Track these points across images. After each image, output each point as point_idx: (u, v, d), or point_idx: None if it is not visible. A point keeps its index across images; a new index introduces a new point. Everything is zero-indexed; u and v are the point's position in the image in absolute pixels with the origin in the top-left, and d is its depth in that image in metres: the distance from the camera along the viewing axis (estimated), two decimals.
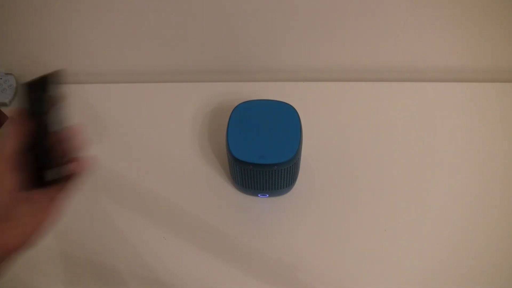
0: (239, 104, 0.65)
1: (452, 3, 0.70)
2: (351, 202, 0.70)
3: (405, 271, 0.65)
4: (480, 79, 0.81)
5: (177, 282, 0.64)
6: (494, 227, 0.67)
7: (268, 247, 0.67)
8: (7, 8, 0.74)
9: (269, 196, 0.70)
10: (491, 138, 0.75)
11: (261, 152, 0.60)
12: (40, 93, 0.46)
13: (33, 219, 0.43)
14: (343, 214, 0.69)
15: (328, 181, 0.72)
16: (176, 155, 0.75)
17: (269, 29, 0.77)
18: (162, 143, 0.77)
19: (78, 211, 0.71)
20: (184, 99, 0.81)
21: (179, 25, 0.77)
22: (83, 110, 0.81)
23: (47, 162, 0.44)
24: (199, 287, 0.65)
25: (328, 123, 0.77)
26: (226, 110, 0.67)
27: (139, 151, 0.77)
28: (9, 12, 0.75)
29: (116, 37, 0.80)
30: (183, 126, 0.78)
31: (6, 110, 0.80)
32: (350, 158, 0.74)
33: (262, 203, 0.71)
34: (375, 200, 0.70)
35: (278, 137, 0.61)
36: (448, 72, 0.83)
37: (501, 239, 0.66)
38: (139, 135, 0.78)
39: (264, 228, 0.69)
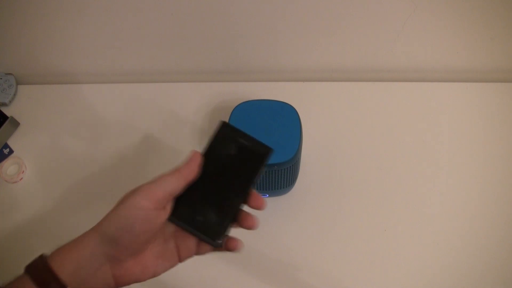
0: (239, 104, 0.65)
1: (452, 3, 0.70)
2: (351, 202, 0.70)
3: (405, 271, 0.65)
4: (480, 79, 0.81)
5: (177, 282, 0.64)
6: (495, 227, 0.67)
7: (268, 247, 0.67)
8: (7, 8, 0.74)
9: (269, 196, 0.70)
10: (491, 138, 0.75)
11: None
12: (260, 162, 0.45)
13: (160, 263, 0.43)
14: (343, 214, 0.69)
15: (328, 181, 0.72)
16: (176, 155, 0.75)
17: (269, 29, 0.77)
18: (162, 143, 0.77)
19: (78, 211, 0.71)
20: (184, 99, 0.81)
21: (179, 25, 0.76)
22: (83, 110, 0.81)
23: (227, 224, 0.43)
24: (199, 287, 0.65)
25: (328, 123, 0.77)
26: (226, 110, 0.67)
27: (138, 151, 0.77)
28: (9, 12, 0.75)
29: (116, 37, 0.79)
30: (183, 126, 0.78)
31: (6, 110, 0.80)
32: (350, 158, 0.74)
33: None
34: (375, 200, 0.70)
35: (278, 137, 0.61)
36: (448, 72, 0.83)
37: (502, 239, 0.66)
38: (139, 135, 0.78)
39: (264, 228, 0.69)
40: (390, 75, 0.84)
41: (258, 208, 0.44)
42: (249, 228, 0.44)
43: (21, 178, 0.75)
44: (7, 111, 0.79)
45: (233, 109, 0.64)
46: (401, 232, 0.67)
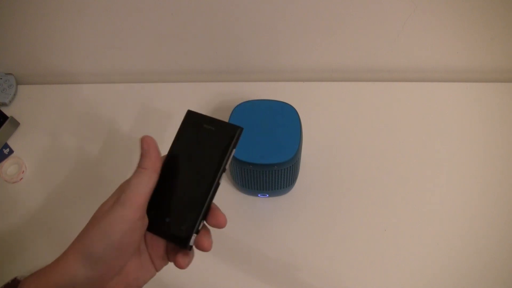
0: (239, 104, 0.65)
1: (452, 3, 0.70)
2: (351, 202, 0.70)
3: (405, 271, 0.65)
4: (480, 79, 0.81)
5: (177, 282, 0.64)
6: (495, 227, 0.67)
7: (268, 247, 0.67)
8: (7, 8, 0.74)
9: (269, 196, 0.70)
10: (491, 138, 0.75)
11: (261, 152, 0.60)
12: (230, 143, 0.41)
13: (141, 276, 0.40)
14: (343, 214, 0.69)
15: (328, 181, 0.72)
16: None
17: (270, 29, 0.77)
18: (162, 143, 0.77)
19: (78, 211, 0.71)
20: (184, 99, 0.81)
21: (179, 25, 0.76)
22: (83, 110, 0.81)
23: (197, 224, 0.39)
24: (199, 287, 0.65)
25: (328, 123, 0.77)
26: (226, 110, 0.67)
27: (139, 151, 0.76)
28: (9, 12, 0.75)
29: (116, 37, 0.79)
30: None
31: (6, 110, 0.80)
32: (350, 158, 0.74)
33: (262, 203, 0.71)
34: (375, 200, 0.70)
35: (278, 137, 0.61)
36: (448, 72, 0.83)
37: (502, 239, 0.66)
38: (139, 135, 0.78)
39: (264, 228, 0.69)
40: (390, 75, 0.84)
41: (217, 226, 0.40)
42: (215, 226, 0.40)
43: (21, 178, 0.75)
44: (7, 111, 0.79)
45: (233, 109, 0.64)
46: (401, 232, 0.67)
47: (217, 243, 0.67)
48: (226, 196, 0.71)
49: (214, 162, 0.40)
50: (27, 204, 0.73)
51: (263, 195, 0.69)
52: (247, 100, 0.65)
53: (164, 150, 0.80)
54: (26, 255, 0.68)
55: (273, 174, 0.62)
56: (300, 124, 0.63)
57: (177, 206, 0.40)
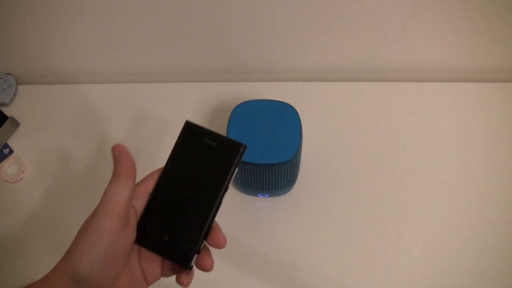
0: (239, 104, 0.65)
1: (452, 3, 0.70)
2: (351, 202, 0.70)
3: (405, 271, 0.65)
4: (480, 79, 0.81)
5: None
6: (495, 227, 0.67)
7: (268, 247, 0.67)
8: (7, 8, 0.74)
9: (269, 196, 0.70)
10: (491, 138, 0.75)
11: (261, 152, 0.60)
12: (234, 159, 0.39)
13: None
14: (343, 214, 0.69)
15: (328, 181, 0.72)
16: None
17: (270, 29, 0.77)
18: (162, 143, 0.77)
19: (78, 212, 0.71)
20: (184, 99, 0.81)
21: (179, 25, 0.76)
22: (83, 110, 0.81)
23: (198, 244, 0.38)
24: (199, 287, 0.65)
25: (328, 123, 0.77)
26: (226, 110, 0.67)
27: (139, 151, 0.77)
28: (9, 12, 0.75)
29: (116, 37, 0.79)
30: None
31: (6, 110, 0.80)
32: (350, 158, 0.74)
33: (262, 203, 0.71)
34: (375, 200, 0.70)
35: (278, 137, 0.61)
36: (448, 72, 0.83)
37: (502, 239, 0.66)
38: (139, 135, 0.78)
39: (264, 228, 0.69)
40: (390, 75, 0.84)
41: (216, 247, 0.39)
42: (214, 247, 0.39)
43: (21, 178, 0.75)
44: (7, 111, 0.79)
45: (233, 109, 0.64)
46: (401, 232, 0.67)
47: None
48: (226, 196, 0.71)
49: (217, 180, 0.39)
50: (27, 204, 0.73)
51: (263, 195, 0.69)
52: (247, 100, 0.65)
53: (164, 150, 0.80)
54: (26, 255, 0.68)
55: (273, 174, 0.62)
56: (300, 124, 0.63)
57: (177, 224, 0.39)
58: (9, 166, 0.76)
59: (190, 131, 0.41)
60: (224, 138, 0.40)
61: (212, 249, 0.40)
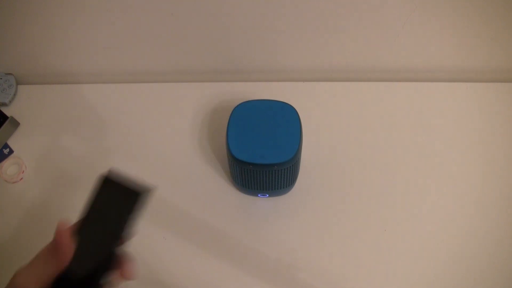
0: (239, 104, 0.65)
1: (452, 3, 0.70)
2: (351, 202, 0.70)
3: (405, 271, 0.65)
4: (480, 79, 0.81)
5: (177, 282, 0.64)
6: (495, 227, 0.67)
7: (268, 247, 0.67)
8: (7, 8, 0.74)
9: (269, 196, 0.70)
10: (491, 138, 0.75)
11: (261, 152, 0.60)
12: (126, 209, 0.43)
13: None
14: (343, 214, 0.69)
15: (328, 181, 0.72)
16: (176, 155, 0.75)
17: (270, 29, 0.77)
18: (162, 143, 0.77)
19: (78, 212, 0.71)
20: (184, 99, 0.81)
21: (179, 25, 0.76)
22: (83, 110, 0.81)
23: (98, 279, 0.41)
24: (199, 287, 0.65)
25: (328, 123, 0.77)
26: (226, 110, 0.67)
27: (139, 151, 0.77)
28: (9, 12, 0.75)
29: (116, 37, 0.79)
30: (183, 126, 0.78)
31: (6, 110, 0.80)
32: (350, 158, 0.74)
33: (262, 203, 0.71)
34: (375, 200, 0.70)
35: (278, 137, 0.61)
36: (448, 72, 0.83)
37: (502, 239, 0.66)
38: (139, 135, 0.78)
39: (264, 228, 0.69)
40: (390, 75, 0.84)
41: (125, 278, 0.40)
42: (125, 278, 0.41)
43: (21, 178, 0.75)
44: (7, 111, 0.79)
45: (233, 109, 0.64)
46: (401, 232, 0.67)
47: (217, 243, 0.67)
48: (226, 196, 0.71)
49: (118, 222, 0.43)
50: (27, 204, 0.73)
51: (263, 195, 0.69)
52: (247, 100, 0.65)
53: (164, 149, 0.80)
54: (26, 255, 0.68)
55: (273, 174, 0.62)
56: (300, 124, 0.63)
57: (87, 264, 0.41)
58: (9, 166, 0.76)
59: (107, 182, 0.45)
60: (134, 184, 0.44)
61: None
